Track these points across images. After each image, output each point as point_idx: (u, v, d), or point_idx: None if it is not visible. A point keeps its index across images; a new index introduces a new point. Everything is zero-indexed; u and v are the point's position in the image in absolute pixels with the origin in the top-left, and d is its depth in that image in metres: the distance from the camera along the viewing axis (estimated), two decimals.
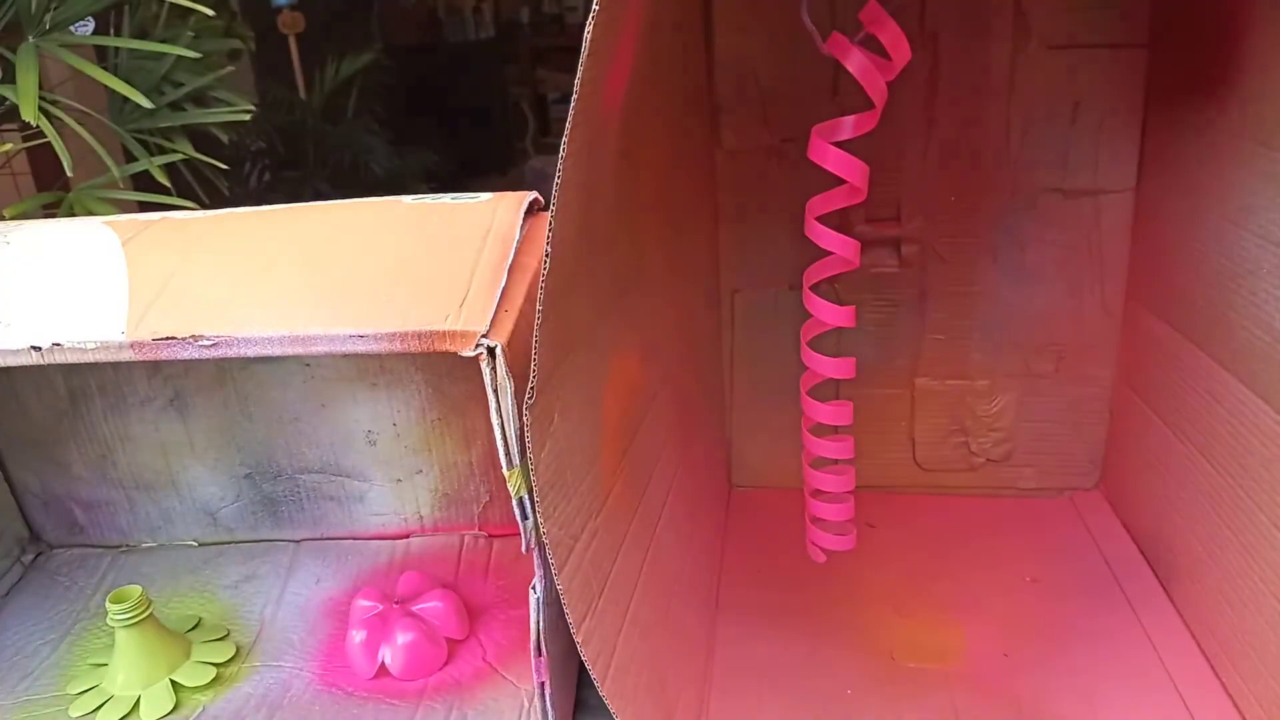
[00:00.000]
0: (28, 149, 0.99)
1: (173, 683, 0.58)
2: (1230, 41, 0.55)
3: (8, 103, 0.82)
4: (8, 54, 0.83)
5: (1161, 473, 0.66)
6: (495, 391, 0.43)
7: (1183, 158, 0.62)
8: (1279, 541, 0.51)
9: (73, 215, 0.91)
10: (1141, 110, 0.67)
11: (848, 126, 0.50)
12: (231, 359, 0.46)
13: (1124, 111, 0.67)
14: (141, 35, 0.96)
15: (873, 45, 0.49)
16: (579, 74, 0.35)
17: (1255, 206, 0.53)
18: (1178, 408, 0.63)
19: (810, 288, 0.56)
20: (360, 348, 0.44)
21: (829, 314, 0.56)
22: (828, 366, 0.57)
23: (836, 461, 0.60)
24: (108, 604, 0.57)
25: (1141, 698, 0.57)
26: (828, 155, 0.50)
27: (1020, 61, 0.67)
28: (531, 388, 0.40)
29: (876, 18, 0.48)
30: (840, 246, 0.53)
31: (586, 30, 0.34)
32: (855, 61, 0.48)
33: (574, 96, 0.35)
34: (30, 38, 0.83)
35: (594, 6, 0.33)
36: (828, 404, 0.58)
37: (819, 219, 0.53)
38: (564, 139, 0.35)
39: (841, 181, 0.51)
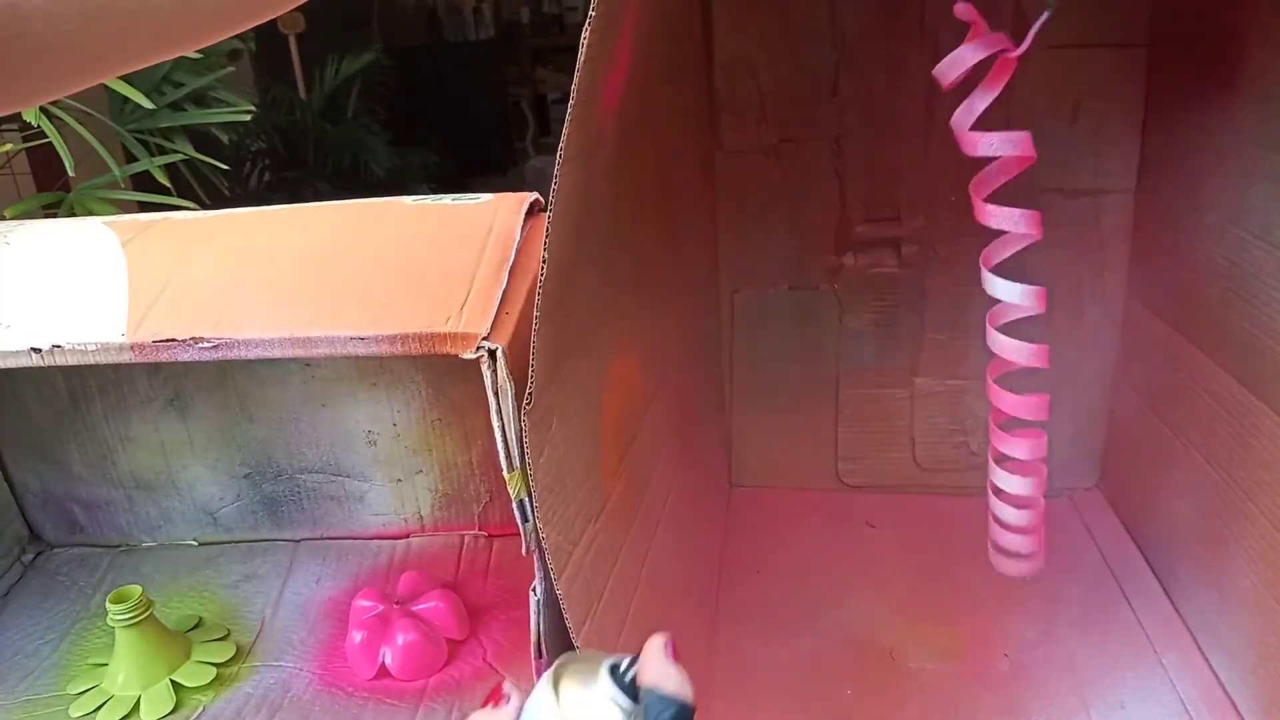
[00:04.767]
0: (28, 149, 0.99)
1: (173, 683, 0.58)
2: (1230, 41, 0.55)
3: None
4: None
5: (1161, 473, 0.66)
6: (496, 394, 0.43)
7: (1183, 158, 0.62)
8: (1278, 542, 0.51)
9: (73, 215, 0.91)
10: (1141, 110, 0.67)
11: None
12: (232, 359, 0.46)
13: (1124, 111, 0.67)
14: None
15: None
16: (575, 80, 0.35)
17: (1256, 207, 0.53)
18: (1178, 408, 0.63)
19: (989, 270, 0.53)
20: (361, 350, 0.44)
21: (1016, 294, 0.53)
22: (1020, 354, 0.55)
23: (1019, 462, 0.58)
24: (108, 604, 0.57)
25: (1141, 696, 0.57)
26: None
27: (1020, 61, 0.67)
28: (529, 393, 0.40)
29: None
30: (1017, 222, 0.50)
31: (583, 36, 0.34)
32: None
33: (570, 102, 0.35)
34: None
35: (591, 12, 0.33)
36: (1022, 396, 0.56)
37: (986, 200, 0.51)
38: (561, 144, 0.35)
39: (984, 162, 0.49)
